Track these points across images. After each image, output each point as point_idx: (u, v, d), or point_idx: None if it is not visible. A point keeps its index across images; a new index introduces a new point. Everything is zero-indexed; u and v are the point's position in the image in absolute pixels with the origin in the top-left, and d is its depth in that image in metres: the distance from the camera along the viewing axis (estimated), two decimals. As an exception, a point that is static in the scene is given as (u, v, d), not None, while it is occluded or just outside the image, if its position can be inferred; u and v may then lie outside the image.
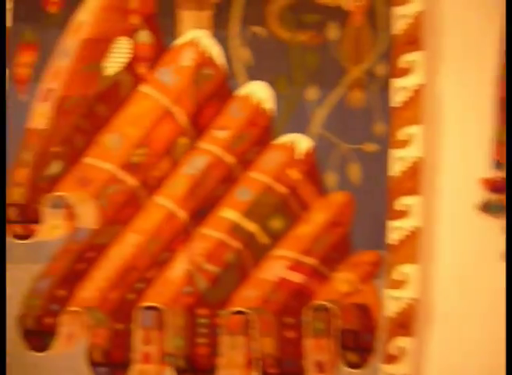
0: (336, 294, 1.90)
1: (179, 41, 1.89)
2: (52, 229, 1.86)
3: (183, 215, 1.88)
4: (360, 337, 1.89)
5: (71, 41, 1.86)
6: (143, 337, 1.87)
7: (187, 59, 1.88)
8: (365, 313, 1.90)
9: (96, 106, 1.87)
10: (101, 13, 1.86)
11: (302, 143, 1.90)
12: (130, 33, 1.88)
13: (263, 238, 1.89)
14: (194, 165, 1.88)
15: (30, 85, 1.87)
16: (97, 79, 1.87)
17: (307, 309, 1.89)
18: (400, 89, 1.90)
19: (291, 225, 1.90)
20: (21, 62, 1.87)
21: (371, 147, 1.91)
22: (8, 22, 1.85)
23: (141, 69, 1.88)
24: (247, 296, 1.88)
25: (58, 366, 1.86)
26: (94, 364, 1.86)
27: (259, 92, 1.90)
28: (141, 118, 1.88)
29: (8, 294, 1.75)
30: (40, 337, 1.86)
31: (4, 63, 1.79)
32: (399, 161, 1.90)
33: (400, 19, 1.90)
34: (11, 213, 1.86)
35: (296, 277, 1.89)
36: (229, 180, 1.89)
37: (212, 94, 1.89)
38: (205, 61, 1.88)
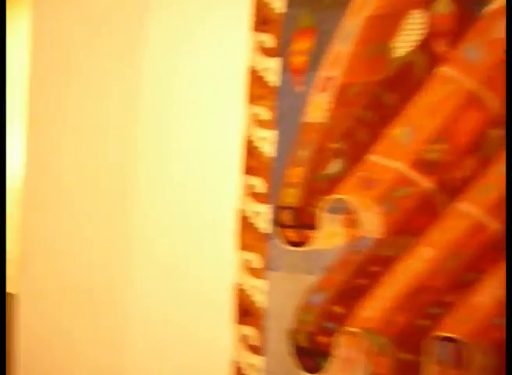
0: None
1: (491, 7, 1.53)
2: (330, 236, 1.67)
3: (494, 226, 1.51)
4: None
5: (353, 21, 1.65)
6: (437, 374, 1.55)
7: (502, 30, 1.51)
8: None
9: (383, 94, 1.63)
10: (390, -16, 1.62)
11: None
12: (426, 3, 1.58)
13: None
14: (509, 163, 1.51)
15: (307, 74, 1.71)
16: (385, 62, 1.62)
17: None
18: None
19: None
20: (297, 50, 1.73)
21: None
22: (283, 8, 1.72)
23: (440, 46, 1.58)
24: None
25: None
26: (375, 398, 1.61)
27: None
28: (440, 106, 1.57)
29: (281, 305, 1.60)
30: (312, 356, 1.68)
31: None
32: None
33: None
34: (284, 217, 1.72)
35: None
36: (556, 182, 1.47)
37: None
38: (524, 29, 1.50)
